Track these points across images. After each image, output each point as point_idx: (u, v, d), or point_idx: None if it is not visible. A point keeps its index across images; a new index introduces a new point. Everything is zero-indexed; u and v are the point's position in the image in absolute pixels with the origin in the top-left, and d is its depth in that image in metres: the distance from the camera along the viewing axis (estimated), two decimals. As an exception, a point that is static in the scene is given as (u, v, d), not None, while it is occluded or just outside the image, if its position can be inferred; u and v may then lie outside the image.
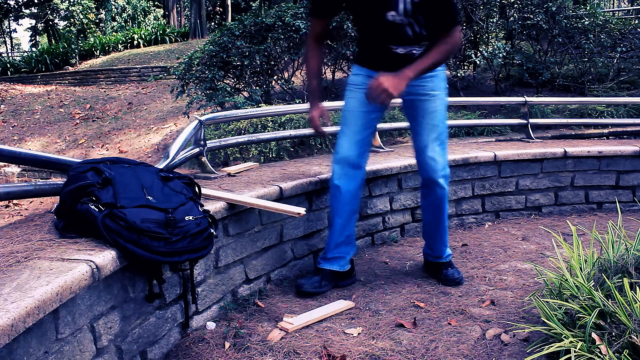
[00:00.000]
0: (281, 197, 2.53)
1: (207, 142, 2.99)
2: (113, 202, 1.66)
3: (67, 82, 14.84)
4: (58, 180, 2.19)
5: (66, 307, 1.42)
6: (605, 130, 5.50)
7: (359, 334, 2.04)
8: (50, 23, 31.39)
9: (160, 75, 13.27)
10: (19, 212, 6.71)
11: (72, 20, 20.37)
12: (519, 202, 3.76)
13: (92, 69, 15.62)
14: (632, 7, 12.73)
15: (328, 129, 2.50)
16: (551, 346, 1.66)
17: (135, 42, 18.11)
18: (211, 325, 2.11)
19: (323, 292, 2.44)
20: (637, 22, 9.60)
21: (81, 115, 10.88)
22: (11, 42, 39.03)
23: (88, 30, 19.77)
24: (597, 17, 7.18)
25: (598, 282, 1.92)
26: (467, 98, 6.04)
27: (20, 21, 51.96)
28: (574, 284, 1.86)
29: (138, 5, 22.35)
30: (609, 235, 2.17)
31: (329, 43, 6.89)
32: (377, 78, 2.14)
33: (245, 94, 7.22)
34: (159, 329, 1.87)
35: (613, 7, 15.37)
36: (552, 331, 1.75)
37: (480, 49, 7.30)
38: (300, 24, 6.74)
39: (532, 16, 6.88)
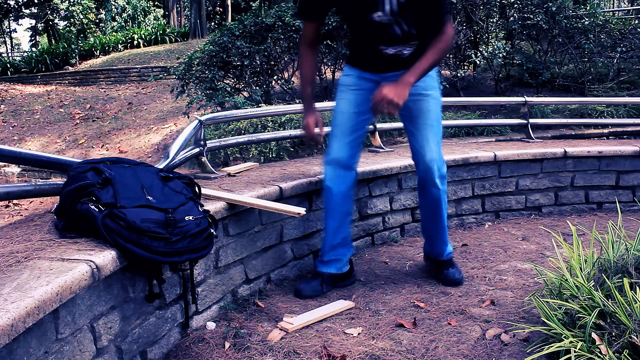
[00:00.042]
0: (281, 197, 2.53)
1: (207, 142, 2.99)
2: (113, 202, 1.66)
3: (67, 82, 14.84)
4: (58, 180, 2.19)
5: (66, 307, 1.42)
6: (605, 130, 5.50)
7: (359, 334, 2.04)
8: (50, 23, 31.40)
9: (160, 75, 13.28)
10: (19, 212, 6.71)
11: (72, 20, 20.38)
12: (519, 202, 3.76)
13: (92, 69, 15.63)
14: (632, 7, 12.73)
15: (326, 129, 2.50)
16: (551, 346, 1.66)
17: (135, 42, 18.11)
18: (211, 325, 2.11)
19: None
20: (637, 22, 9.60)
21: (81, 115, 10.88)
22: (11, 42, 39.03)
23: (88, 30, 19.78)
24: (597, 17, 7.18)
25: (598, 282, 1.92)
26: (467, 98, 6.04)
27: (20, 21, 51.97)
28: (574, 284, 1.86)
29: (138, 5, 22.34)
30: (609, 235, 2.17)
31: (329, 43, 6.89)
32: (380, 90, 2.14)
33: (245, 94, 7.22)
34: (159, 329, 1.87)
35: (613, 7, 15.36)
36: (552, 331, 1.75)
37: (480, 49, 7.30)
38: (301, 24, 6.74)
39: (532, 16, 6.88)
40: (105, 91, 12.72)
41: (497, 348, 1.91)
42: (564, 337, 1.67)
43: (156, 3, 26.41)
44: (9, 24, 37.43)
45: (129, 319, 1.72)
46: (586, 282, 1.83)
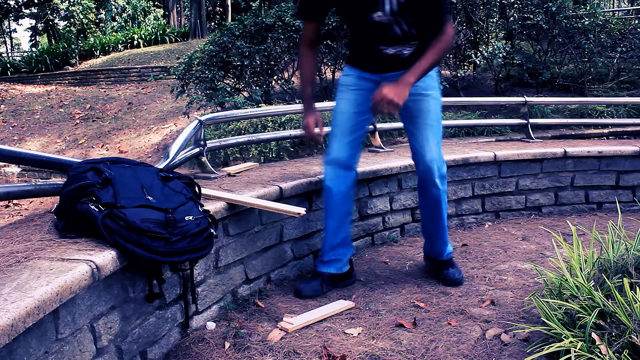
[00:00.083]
0: (281, 197, 2.53)
1: (207, 142, 2.99)
2: (113, 202, 1.66)
3: (67, 82, 14.85)
4: (58, 180, 2.19)
5: (66, 307, 1.42)
6: (605, 130, 5.50)
7: (359, 334, 2.04)
8: (50, 23, 31.40)
9: (160, 75, 13.28)
10: (19, 212, 6.71)
11: (72, 20, 20.38)
12: (519, 202, 3.76)
13: (92, 69, 15.63)
14: (632, 7, 12.73)
15: (326, 129, 2.50)
16: (551, 346, 1.67)
17: (135, 42, 18.11)
18: (211, 325, 2.11)
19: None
20: (637, 22, 9.60)
21: (81, 115, 10.88)
22: (11, 42, 39.03)
23: (88, 30, 19.78)
24: (597, 17, 7.18)
25: (598, 282, 1.92)
26: (467, 98, 6.04)
27: (20, 21, 51.98)
28: (574, 284, 1.86)
29: (138, 5, 22.34)
30: (609, 235, 2.17)
31: (329, 43, 6.89)
32: (380, 90, 2.14)
33: (245, 94, 7.22)
34: (159, 329, 1.87)
35: (613, 7, 15.36)
36: (552, 331, 1.75)
37: (480, 49, 7.30)
38: (301, 24, 6.74)
39: (532, 16, 6.88)
40: (105, 91, 12.72)
41: (497, 348, 1.91)
42: (564, 337, 1.67)
43: (156, 3, 26.41)
44: (9, 24, 37.44)
45: (129, 319, 1.72)
46: (586, 282, 1.83)
